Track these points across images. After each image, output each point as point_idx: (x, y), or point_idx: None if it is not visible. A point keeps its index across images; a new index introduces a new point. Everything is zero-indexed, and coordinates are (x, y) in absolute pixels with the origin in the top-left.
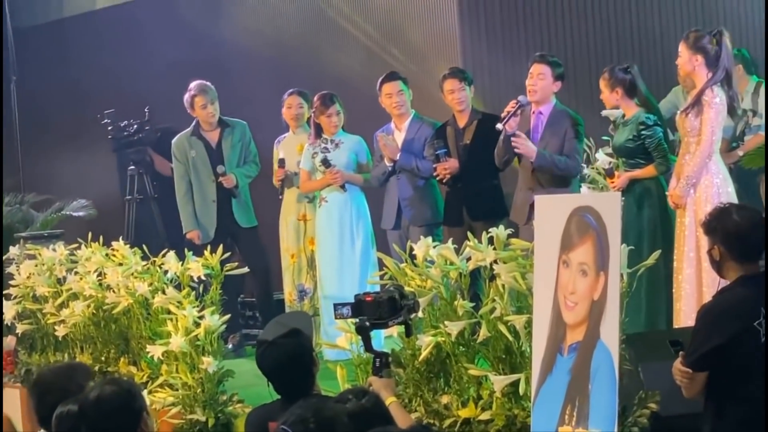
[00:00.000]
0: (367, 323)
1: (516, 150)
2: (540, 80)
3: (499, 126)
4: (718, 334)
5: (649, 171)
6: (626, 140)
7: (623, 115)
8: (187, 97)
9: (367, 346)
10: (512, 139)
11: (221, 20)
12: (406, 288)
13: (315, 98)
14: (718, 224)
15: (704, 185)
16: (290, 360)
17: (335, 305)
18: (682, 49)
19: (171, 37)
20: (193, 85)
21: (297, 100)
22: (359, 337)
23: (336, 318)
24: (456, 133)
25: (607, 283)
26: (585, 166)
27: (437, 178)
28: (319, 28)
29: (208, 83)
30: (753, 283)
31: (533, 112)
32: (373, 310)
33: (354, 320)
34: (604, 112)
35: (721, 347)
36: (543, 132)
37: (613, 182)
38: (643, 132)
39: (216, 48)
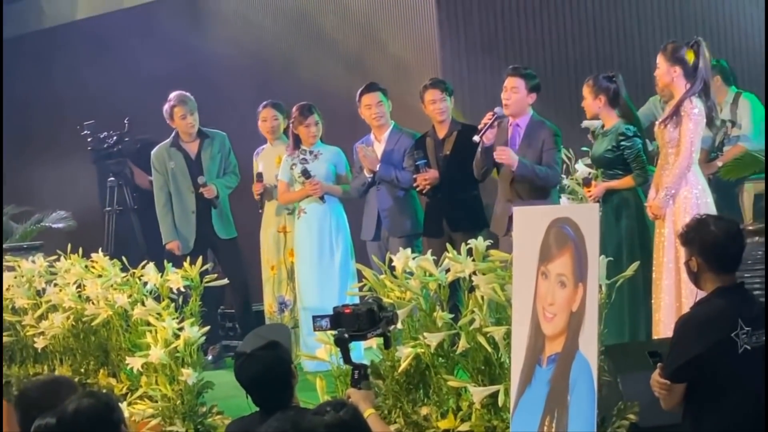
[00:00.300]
0: (346, 335)
1: (499, 160)
2: (514, 93)
3: (476, 138)
4: (696, 346)
5: (627, 182)
6: (605, 150)
7: (602, 126)
8: (166, 107)
9: (346, 358)
10: (495, 150)
11: (201, 32)
12: (385, 300)
13: (293, 109)
14: (695, 235)
15: (683, 196)
16: (268, 372)
17: (314, 317)
18: (660, 60)
19: (150, 48)
20: (172, 95)
21: (271, 113)
22: (338, 349)
23: (315, 330)
24: (436, 144)
25: (585, 294)
26: (564, 177)
27: (417, 189)
28: (298, 39)
29: (188, 94)
30: (730, 294)
31: (510, 124)
32: (351, 322)
33: (333, 332)
34: (584, 123)
35: (699, 358)
36: (520, 143)
37: (589, 191)
38: (622, 143)
39: (195, 59)
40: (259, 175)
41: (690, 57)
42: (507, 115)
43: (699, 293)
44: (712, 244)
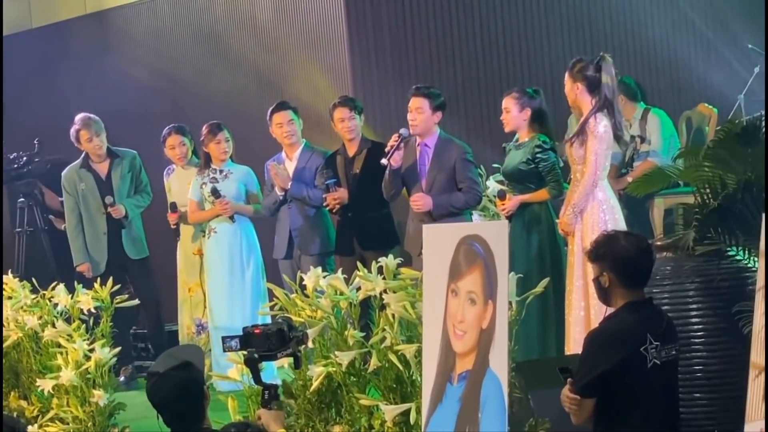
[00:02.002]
0: (256, 355)
1: (417, 210)
2: (419, 114)
3: (384, 161)
4: (606, 360)
5: (541, 195)
6: (520, 163)
7: (516, 140)
8: (72, 131)
9: (256, 379)
10: (411, 202)
11: (110, 51)
12: (296, 319)
13: (203, 128)
14: (607, 251)
15: (590, 213)
16: (180, 392)
17: (223, 338)
18: (566, 78)
19: (60, 68)
20: (77, 118)
21: (178, 139)
22: (249, 369)
23: (224, 350)
24: (346, 162)
25: (495, 311)
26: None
27: (327, 209)
28: (208, 59)
29: (93, 116)
30: (639, 309)
31: (418, 144)
32: (261, 342)
33: (244, 352)
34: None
35: (608, 373)
36: (430, 164)
37: (503, 204)
38: (538, 155)
39: (106, 78)
40: (173, 205)
41: (592, 75)
42: (413, 135)
43: (607, 310)
44: (625, 260)
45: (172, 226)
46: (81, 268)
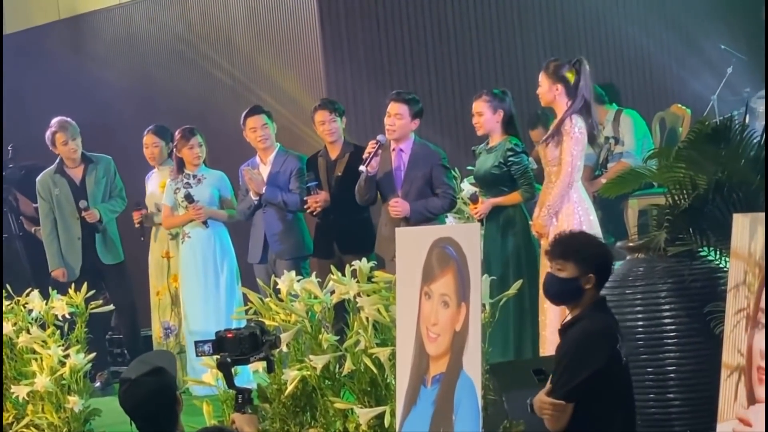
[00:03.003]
0: (229, 359)
1: (395, 215)
2: (398, 120)
3: (362, 168)
4: (595, 361)
5: (514, 197)
6: (492, 167)
7: (487, 143)
8: (48, 134)
9: (229, 383)
10: (390, 208)
11: (85, 55)
12: (270, 323)
13: (176, 133)
14: (595, 252)
15: (565, 214)
16: (153, 398)
17: (196, 342)
18: (542, 78)
19: (34, 74)
20: (53, 121)
21: (153, 139)
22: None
23: (197, 355)
24: (328, 164)
25: (468, 313)
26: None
27: (308, 211)
28: (182, 63)
29: (69, 119)
30: (604, 308)
31: (393, 150)
32: (234, 347)
33: (217, 356)
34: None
35: (597, 373)
36: (406, 169)
37: (476, 208)
38: (510, 158)
39: (80, 83)
40: (138, 204)
41: (570, 76)
42: (390, 140)
43: (568, 313)
44: (609, 260)
45: (136, 225)
46: (55, 273)
